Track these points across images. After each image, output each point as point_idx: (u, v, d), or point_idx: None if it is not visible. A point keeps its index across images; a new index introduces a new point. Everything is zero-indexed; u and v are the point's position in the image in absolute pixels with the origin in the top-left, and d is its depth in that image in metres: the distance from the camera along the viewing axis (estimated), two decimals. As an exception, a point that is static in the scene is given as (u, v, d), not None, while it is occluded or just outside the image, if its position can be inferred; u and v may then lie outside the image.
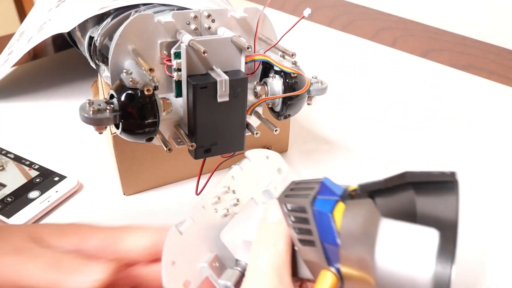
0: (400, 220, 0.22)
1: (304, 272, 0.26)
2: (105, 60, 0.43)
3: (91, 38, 0.48)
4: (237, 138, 0.42)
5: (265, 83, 0.43)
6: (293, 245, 0.26)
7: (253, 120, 0.44)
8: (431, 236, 0.21)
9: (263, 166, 0.32)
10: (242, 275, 0.28)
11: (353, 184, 0.25)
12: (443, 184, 0.22)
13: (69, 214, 0.47)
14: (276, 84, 0.42)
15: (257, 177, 0.32)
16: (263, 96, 0.43)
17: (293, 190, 0.25)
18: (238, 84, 0.38)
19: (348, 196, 0.24)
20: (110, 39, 0.42)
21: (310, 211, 0.23)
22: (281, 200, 0.25)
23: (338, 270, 0.23)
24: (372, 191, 0.23)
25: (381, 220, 0.22)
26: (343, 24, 0.92)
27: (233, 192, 0.30)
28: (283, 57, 0.42)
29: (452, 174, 0.21)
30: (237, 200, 0.30)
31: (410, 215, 0.22)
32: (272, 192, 0.32)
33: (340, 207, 0.23)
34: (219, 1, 0.51)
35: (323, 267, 0.24)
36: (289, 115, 0.44)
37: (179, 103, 0.41)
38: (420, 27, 0.91)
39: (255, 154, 0.32)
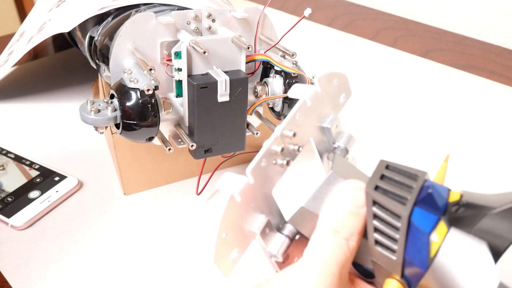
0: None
1: (363, 259, 0.23)
2: (105, 60, 0.43)
3: (91, 38, 0.48)
4: (237, 138, 0.42)
5: (266, 83, 0.43)
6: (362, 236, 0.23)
7: (253, 120, 0.44)
8: None
9: (329, 95, 0.26)
10: (290, 242, 0.25)
11: (454, 188, 0.21)
12: None
13: (69, 214, 0.47)
14: (276, 84, 0.42)
15: (321, 110, 0.26)
16: (264, 96, 0.43)
17: (385, 180, 0.21)
18: (238, 84, 0.38)
19: (452, 213, 0.20)
20: (111, 39, 0.42)
21: (406, 222, 0.20)
22: (370, 194, 0.21)
23: (409, 283, 0.21)
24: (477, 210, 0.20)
25: (495, 273, 0.18)
26: (344, 24, 0.91)
27: (294, 135, 0.24)
28: (284, 57, 0.42)
29: None
30: (299, 148, 0.25)
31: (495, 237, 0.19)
32: (332, 131, 0.27)
33: (442, 229, 0.20)
34: (219, 1, 0.51)
35: (393, 276, 0.21)
36: (289, 115, 0.44)
37: (180, 103, 0.41)
38: (420, 27, 0.90)
39: (326, 80, 0.26)
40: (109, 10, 0.46)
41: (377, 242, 0.21)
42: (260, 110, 0.44)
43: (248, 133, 0.42)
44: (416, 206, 0.20)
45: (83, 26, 0.50)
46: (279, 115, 0.44)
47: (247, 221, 0.24)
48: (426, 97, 0.68)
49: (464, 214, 0.20)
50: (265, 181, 0.24)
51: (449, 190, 0.21)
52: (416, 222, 0.19)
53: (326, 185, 0.24)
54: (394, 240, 0.20)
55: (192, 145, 0.39)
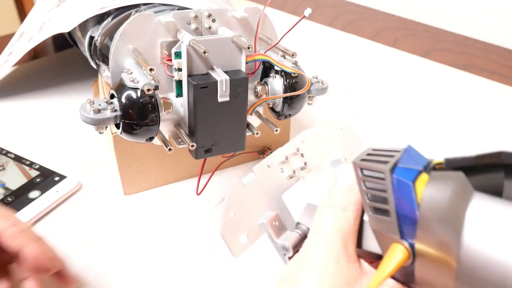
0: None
1: (370, 244, 0.24)
2: (105, 60, 0.43)
3: (91, 37, 0.48)
4: (237, 138, 0.42)
5: (266, 83, 0.43)
6: (361, 215, 0.25)
7: (253, 120, 0.44)
8: None
9: (335, 137, 0.30)
10: (301, 238, 0.27)
11: (437, 158, 0.23)
12: None
13: (69, 214, 0.47)
14: (276, 84, 0.42)
15: (327, 146, 0.30)
16: (264, 96, 0.43)
17: (370, 155, 0.23)
18: (238, 83, 0.38)
19: (432, 169, 0.22)
20: (111, 38, 0.42)
21: (389, 178, 0.21)
22: (357, 164, 0.23)
23: (412, 245, 0.22)
24: (459, 168, 0.21)
25: (474, 194, 0.19)
26: (344, 24, 0.91)
27: (302, 155, 0.28)
28: (284, 57, 0.42)
29: None
30: (305, 163, 0.28)
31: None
32: (341, 162, 0.30)
33: (423, 178, 0.21)
34: (219, 1, 0.51)
35: (395, 239, 0.22)
36: (289, 115, 0.44)
37: (180, 103, 0.41)
38: (421, 27, 0.90)
39: (328, 124, 0.30)
40: (109, 10, 0.46)
41: (373, 210, 0.23)
42: (260, 110, 0.44)
43: (248, 133, 0.42)
44: (397, 166, 0.22)
45: (83, 26, 0.50)
46: (279, 115, 0.44)
47: (257, 213, 0.26)
48: (426, 97, 0.68)
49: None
50: (274, 184, 0.27)
51: (432, 159, 0.23)
52: (399, 176, 0.21)
53: (328, 181, 0.27)
54: (385, 201, 0.22)
55: (192, 145, 0.39)
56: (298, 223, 0.27)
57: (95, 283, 0.40)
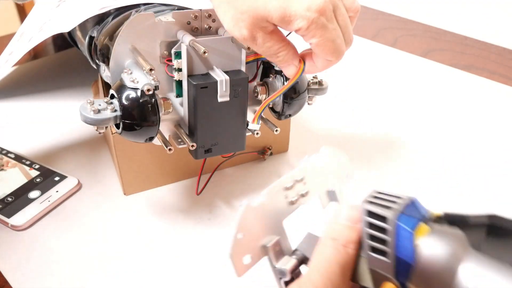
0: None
1: (364, 279, 0.26)
2: (105, 60, 0.43)
3: (91, 37, 0.48)
4: (237, 138, 0.42)
5: (266, 83, 0.43)
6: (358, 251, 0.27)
7: (253, 120, 0.44)
8: None
9: (332, 167, 0.32)
10: (298, 264, 0.28)
11: (437, 210, 0.25)
12: None
13: (69, 214, 0.47)
14: (276, 84, 0.42)
15: (325, 175, 0.32)
16: (265, 97, 0.43)
17: (376, 198, 0.25)
18: (238, 83, 0.38)
19: (431, 221, 0.24)
20: (111, 39, 0.42)
21: (393, 223, 0.23)
22: (364, 205, 0.25)
23: (403, 286, 0.24)
24: (455, 223, 0.24)
25: (469, 252, 0.22)
26: (344, 24, 0.91)
27: (304, 183, 0.30)
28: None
29: None
30: (306, 192, 0.30)
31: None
32: (337, 194, 0.32)
33: (424, 229, 0.23)
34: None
35: (388, 279, 0.24)
36: (289, 115, 0.44)
37: (180, 103, 0.41)
38: (421, 27, 0.90)
39: (329, 153, 0.32)
40: (109, 10, 0.46)
41: (372, 249, 0.25)
42: (260, 110, 0.44)
43: (248, 133, 0.42)
44: (401, 214, 0.24)
45: (83, 26, 0.50)
46: (279, 115, 0.44)
47: (262, 236, 0.28)
48: (426, 97, 0.68)
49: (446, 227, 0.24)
50: (278, 209, 0.29)
51: (433, 212, 0.25)
52: (401, 223, 0.24)
53: (328, 213, 0.29)
54: (385, 243, 0.24)
55: (192, 145, 0.39)
56: (295, 250, 0.29)
57: (95, 283, 0.40)
